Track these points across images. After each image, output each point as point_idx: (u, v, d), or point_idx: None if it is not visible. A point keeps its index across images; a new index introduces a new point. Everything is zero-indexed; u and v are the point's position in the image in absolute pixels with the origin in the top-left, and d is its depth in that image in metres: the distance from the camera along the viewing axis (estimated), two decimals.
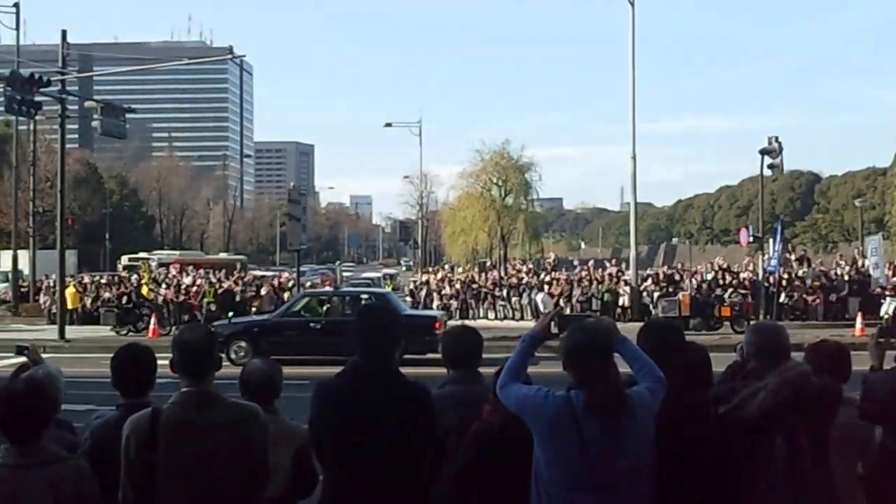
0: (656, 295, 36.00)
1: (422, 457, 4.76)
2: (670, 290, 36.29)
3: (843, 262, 39.86)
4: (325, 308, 25.06)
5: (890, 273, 33.05)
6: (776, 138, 31.39)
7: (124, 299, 34.86)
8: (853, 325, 29.59)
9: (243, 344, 22.68)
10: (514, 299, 38.62)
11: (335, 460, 4.74)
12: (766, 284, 33.49)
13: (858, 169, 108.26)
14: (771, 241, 36.39)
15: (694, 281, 37.16)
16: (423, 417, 4.73)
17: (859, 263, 37.10)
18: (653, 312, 32.62)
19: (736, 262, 45.17)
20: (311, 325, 24.08)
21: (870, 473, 5.23)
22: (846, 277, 35.72)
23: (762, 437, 4.58)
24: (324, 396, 4.80)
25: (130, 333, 31.55)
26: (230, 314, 28.72)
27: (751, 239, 35.37)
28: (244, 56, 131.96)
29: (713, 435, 4.50)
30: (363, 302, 24.70)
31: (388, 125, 60.96)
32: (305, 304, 25.52)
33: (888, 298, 30.71)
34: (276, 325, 24.32)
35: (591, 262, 46.25)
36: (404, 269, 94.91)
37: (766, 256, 34.90)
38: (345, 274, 69.00)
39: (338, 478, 4.72)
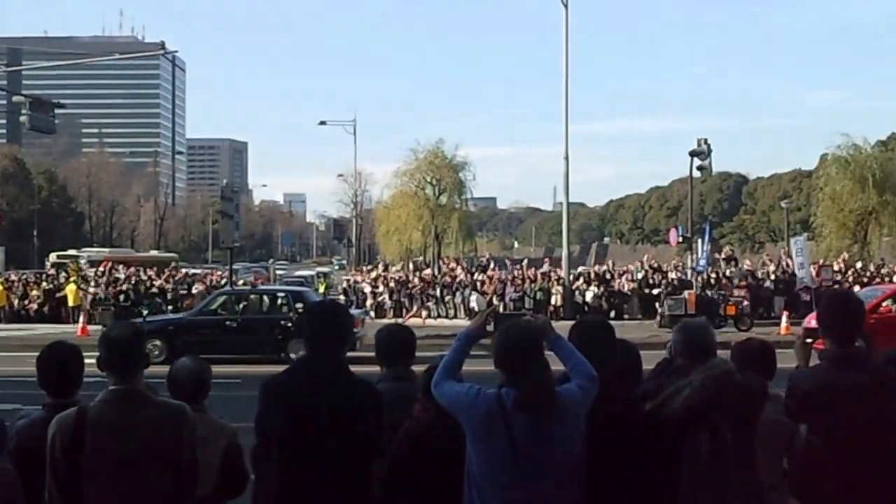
0: (589, 294, 36.39)
1: (372, 455, 4.73)
2: (602, 288, 36.74)
3: (769, 262, 40.64)
4: (241, 306, 24.78)
5: (814, 273, 33.74)
6: (705, 140, 31.80)
7: (121, 297, 34.08)
8: (779, 324, 30.14)
9: (158, 343, 22.13)
10: (447, 298, 38.69)
11: (284, 458, 4.68)
12: (696, 282, 33.95)
13: (785, 171, 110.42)
14: (700, 240, 36.88)
15: (625, 280, 37.66)
16: (374, 416, 4.71)
17: (785, 263, 37.84)
18: (659, 309, 32.60)
19: (666, 262, 45.71)
20: (227, 323, 23.81)
21: (794, 468, 5.29)
22: (772, 277, 36.43)
23: (687, 434, 4.62)
24: (272, 393, 4.75)
25: None
26: (144, 313, 28.30)
27: (680, 239, 35.85)
28: (176, 52, 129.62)
29: (640, 432, 4.52)
30: (288, 299, 24.63)
31: (323, 123, 60.68)
32: (222, 303, 25.19)
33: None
34: (192, 323, 23.96)
35: (524, 261, 46.41)
36: (336, 267, 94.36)
37: (695, 256, 35.39)
38: (278, 272, 68.39)
39: (286, 475, 4.67)
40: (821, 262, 39.97)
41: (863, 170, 46.09)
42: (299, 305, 23.77)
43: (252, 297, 25.86)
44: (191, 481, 4.55)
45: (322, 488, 4.55)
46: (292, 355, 22.51)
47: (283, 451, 4.68)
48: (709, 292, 32.93)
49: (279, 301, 25.09)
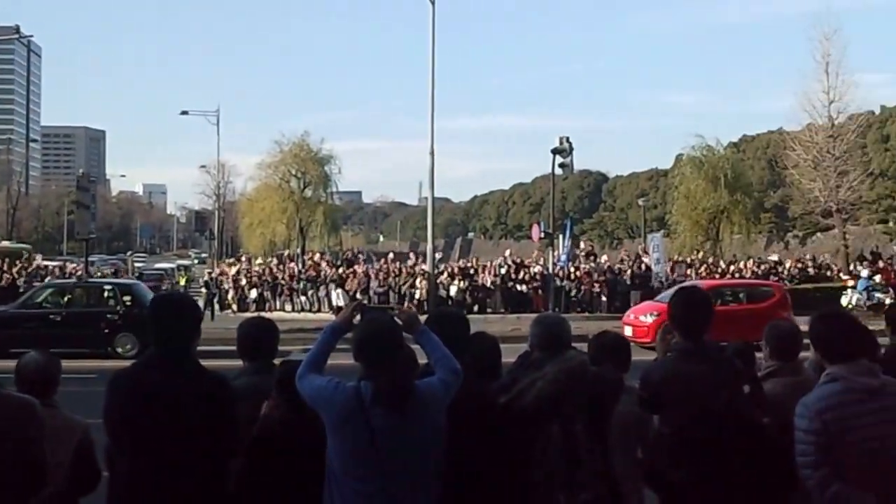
0: (453, 289, 36.66)
1: (225, 450, 4.65)
2: (465, 283, 37.02)
3: (627, 258, 41.68)
4: (66, 299, 24.07)
5: (668, 268, 34.76)
6: (567, 139, 32.32)
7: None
8: None
9: None
10: (310, 292, 38.39)
11: (134, 453, 4.54)
12: (556, 277, 34.53)
13: (642, 170, 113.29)
14: (561, 236, 37.50)
15: (488, 274, 38.02)
16: (227, 410, 4.61)
17: (642, 259, 38.90)
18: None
19: (528, 257, 46.39)
20: (52, 316, 23.04)
21: (647, 458, 5.42)
22: (629, 272, 37.38)
23: (540, 426, 4.67)
24: (121, 387, 4.60)
25: None
26: None
27: (542, 235, 36.38)
28: (31, 36, 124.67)
29: (494, 424, 4.57)
30: (114, 292, 23.98)
31: (185, 113, 59.22)
32: (47, 296, 24.43)
33: (848, 290, 32.66)
34: (14, 316, 23.00)
35: (389, 255, 46.46)
36: (196, 261, 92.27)
37: (557, 251, 36.00)
38: (136, 265, 66.65)
39: (137, 471, 4.53)
40: (675, 258, 41.28)
41: (715, 170, 47.63)
42: (127, 299, 23.33)
43: (77, 290, 24.95)
44: (39, 479, 4.42)
45: (174, 484, 4.43)
46: (119, 349, 22.09)
47: (133, 447, 4.55)
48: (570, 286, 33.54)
49: (106, 294, 24.20)
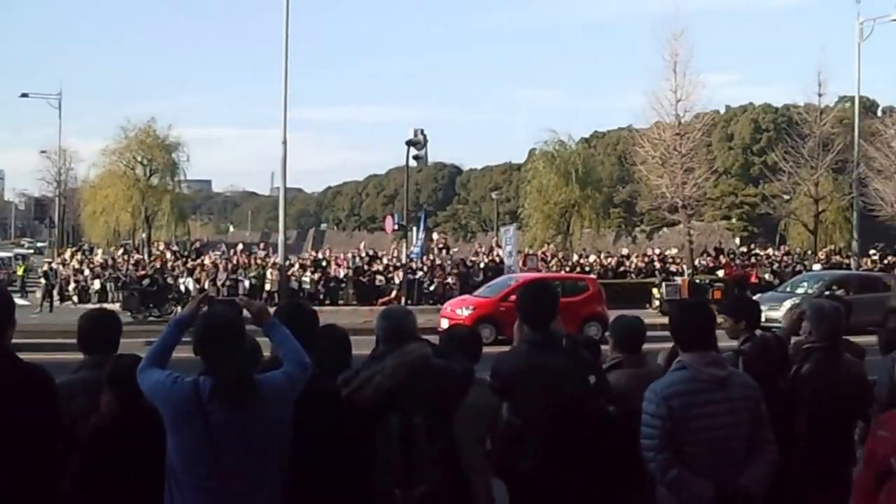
0: (305, 280, 36.09)
1: (47, 447, 4.39)
2: (318, 274, 36.52)
3: (480, 251, 41.98)
4: None
5: (521, 261, 35.12)
6: (422, 131, 32.25)
7: (145, 282, 31.26)
8: None
9: None
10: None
11: None
12: (409, 269, 34.47)
13: (496, 164, 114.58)
14: (415, 228, 37.50)
15: (341, 266, 37.67)
16: (48, 404, 4.37)
17: (495, 252, 39.21)
18: (657, 294, 32.82)
19: (382, 249, 46.23)
20: None
21: (496, 448, 5.44)
22: (482, 264, 37.63)
23: (379, 419, 4.66)
24: None
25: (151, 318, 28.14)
26: None
27: (396, 227, 36.26)
28: None
29: (336, 418, 4.54)
30: None
31: (25, 95, 56.64)
32: None
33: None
34: None
35: (239, 246, 45.47)
36: (31, 250, 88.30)
37: (411, 244, 35.94)
38: None
39: None
40: (527, 251, 41.78)
41: (567, 165, 48.42)
42: None
43: None
44: None
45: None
46: None
47: None
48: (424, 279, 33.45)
49: None
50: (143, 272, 33.60)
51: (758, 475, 4.65)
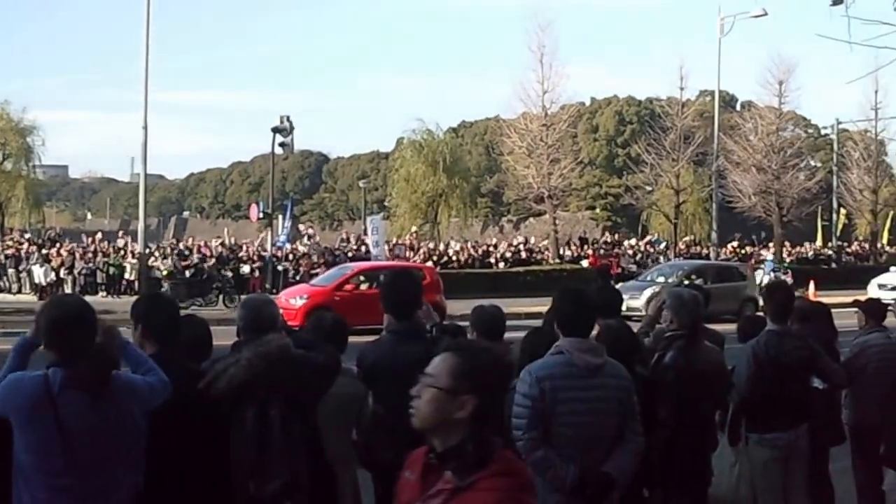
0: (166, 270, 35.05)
1: None
2: (182, 264, 35.60)
3: (348, 239, 41.65)
4: None
5: (388, 250, 34.98)
6: (288, 118, 31.82)
7: (188, 272, 31.48)
8: None
9: None
10: (10, 271, 35.59)
11: None
12: (275, 258, 33.94)
13: (364, 152, 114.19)
14: (281, 217, 36.97)
15: (200, 256, 36.77)
16: None
17: (362, 241, 38.94)
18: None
19: (247, 237, 45.45)
20: None
21: (362, 438, 5.46)
22: (350, 253, 37.31)
23: (234, 412, 4.57)
24: None
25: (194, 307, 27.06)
26: None
27: (261, 215, 35.66)
28: None
29: (192, 410, 4.45)
30: None
31: None
32: None
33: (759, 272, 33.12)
34: None
35: (98, 234, 43.93)
36: None
37: (276, 232, 35.39)
38: None
39: None
40: (394, 240, 41.68)
41: (435, 154, 48.58)
42: None
43: None
44: None
45: None
46: None
47: None
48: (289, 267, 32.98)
49: None
50: (186, 263, 33.68)
51: (622, 464, 4.73)
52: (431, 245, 42.27)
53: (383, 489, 5.25)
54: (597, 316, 5.11)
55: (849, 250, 50.48)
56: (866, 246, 50.98)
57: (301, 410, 4.74)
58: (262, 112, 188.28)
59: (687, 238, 52.46)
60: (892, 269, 36.10)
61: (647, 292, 24.88)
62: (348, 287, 22.95)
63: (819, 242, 51.74)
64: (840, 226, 51.13)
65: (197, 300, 30.08)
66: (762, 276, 34.78)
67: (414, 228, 46.20)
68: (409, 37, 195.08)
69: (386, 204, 59.37)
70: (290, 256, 36.57)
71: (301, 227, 51.73)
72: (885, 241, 53.30)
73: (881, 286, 31.32)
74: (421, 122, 50.32)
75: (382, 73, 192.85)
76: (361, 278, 23.88)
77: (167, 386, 4.24)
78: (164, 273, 32.79)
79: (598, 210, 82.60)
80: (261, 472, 4.54)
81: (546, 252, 43.63)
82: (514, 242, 46.36)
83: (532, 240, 48.41)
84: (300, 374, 4.72)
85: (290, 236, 39.58)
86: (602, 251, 43.07)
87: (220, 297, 30.40)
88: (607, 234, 56.07)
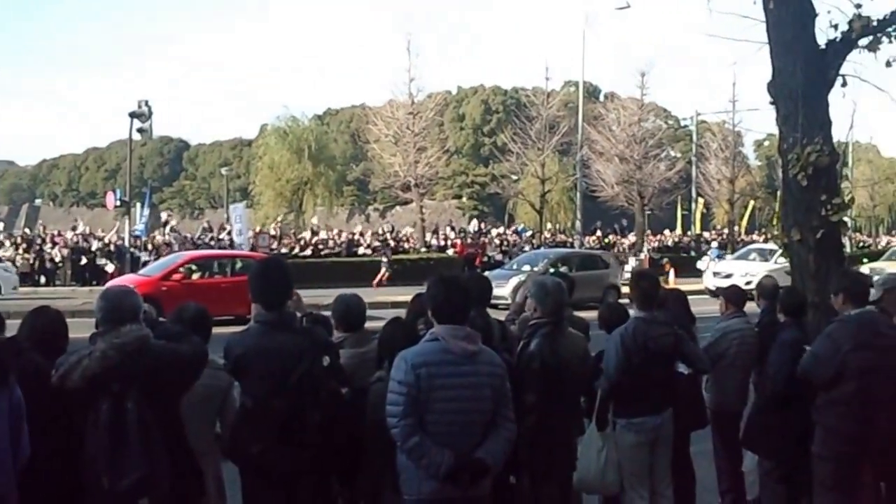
0: (18, 260, 33.70)
1: None
2: (31, 254, 34.24)
3: (210, 228, 40.82)
4: None
5: (251, 237, 34.44)
6: (146, 102, 30.85)
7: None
8: None
9: None
10: None
11: None
12: (133, 248, 32.95)
13: (226, 139, 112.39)
14: (139, 205, 36.00)
15: (58, 245, 35.54)
16: None
17: (226, 229, 38.21)
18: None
19: (103, 226, 44.07)
20: None
21: (229, 431, 5.37)
22: (212, 242, 36.60)
23: (89, 404, 4.47)
24: None
25: None
26: None
27: (118, 203, 34.46)
28: None
29: (47, 402, 4.41)
30: None
31: None
32: None
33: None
34: None
35: None
36: None
37: (134, 221, 34.38)
38: None
39: None
40: (258, 228, 41.07)
41: (300, 142, 48.18)
42: None
43: None
44: None
45: None
46: None
47: None
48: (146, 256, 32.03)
49: None
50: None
51: (495, 450, 4.78)
52: (299, 234, 41.80)
53: (252, 482, 5.15)
54: (471, 303, 5.09)
55: (707, 239, 52.03)
56: (724, 234, 52.60)
57: (162, 403, 4.64)
58: (119, 96, 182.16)
59: (552, 227, 53.25)
60: (728, 257, 37.12)
61: (513, 281, 25.03)
62: (177, 277, 21.92)
63: (679, 231, 53.19)
64: (699, 215, 52.68)
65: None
66: (708, 262, 35.85)
67: (279, 218, 45.65)
68: (272, 22, 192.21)
69: (250, 192, 58.40)
70: (150, 246, 35.57)
71: (162, 215, 50.50)
72: (743, 230, 55.16)
73: (716, 274, 32.24)
74: (285, 109, 49.80)
75: (245, 59, 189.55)
76: (193, 267, 22.97)
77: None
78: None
79: (464, 199, 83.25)
80: (115, 467, 4.42)
81: (412, 240, 43.61)
82: (381, 231, 46.22)
83: (407, 229, 48.34)
84: (161, 366, 4.64)
85: (149, 225, 38.49)
86: (469, 240, 43.30)
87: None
88: (474, 222, 56.41)
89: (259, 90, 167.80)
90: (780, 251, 29.80)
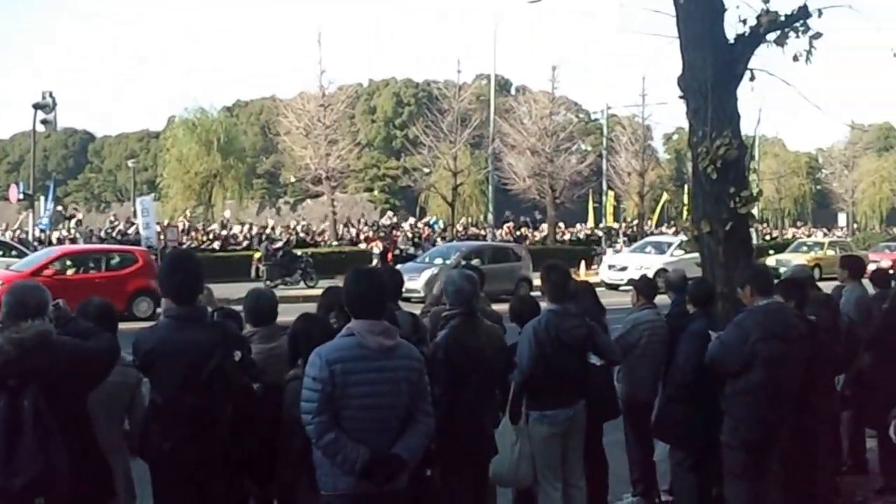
0: None
1: None
2: None
3: (116, 221, 40.05)
4: None
5: (160, 231, 33.95)
6: (51, 93, 30.16)
7: (279, 254, 32.42)
8: None
9: None
10: None
11: None
12: (37, 242, 32.16)
13: (133, 131, 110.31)
14: (43, 198, 35.19)
15: None
16: None
17: (133, 223, 37.51)
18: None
19: (6, 219, 42.97)
20: None
21: (138, 427, 5.30)
22: (118, 237, 35.88)
23: None
24: None
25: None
26: None
27: (21, 196, 33.56)
28: None
29: None
30: None
31: None
32: None
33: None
34: None
35: None
36: None
37: (38, 214, 33.58)
38: None
39: None
40: (166, 222, 40.44)
41: (209, 134, 47.66)
42: None
43: None
44: None
45: None
46: None
47: None
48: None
49: None
50: (276, 246, 34.07)
51: (411, 445, 4.76)
52: (208, 227, 41.22)
53: (162, 480, 5.08)
54: (388, 297, 5.07)
55: (617, 231, 52.69)
56: (634, 227, 53.33)
57: (66, 400, 4.53)
58: (22, 87, 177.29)
59: (464, 220, 53.40)
60: (625, 249, 37.56)
61: (426, 274, 25.00)
62: (48, 272, 20.94)
63: (591, 223, 53.77)
64: (610, 208, 53.35)
65: (287, 279, 31.35)
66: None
67: (188, 211, 45.00)
68: (180, 13, 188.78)
69: (157, 185, 57.42)
70: (53, 240, 34.72)
71: (69, 208, 49.42)
72: (654, 223, 56.02)
73: (611, 266, 32.68)
74: (194, 101, 49.14)
75: (153, 50, 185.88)
76: (68, 262, 22.25)
77: None
78: None
79: (376, 192, 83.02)
80: (8, 466, 4.30)
81: (324, 234, 43.34)
82: (292, 224, 45.80)
83: (312, 223, 48.01)
84: (63, 362, 4.51)
85: (53, 219, 37.57)
86: (381, 233, 43.15)
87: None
88: (386, 215, 56.29)
89: (167, 81, 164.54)
90: (677, 244, 30.45)
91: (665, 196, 55.92)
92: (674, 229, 49.41)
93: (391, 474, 4.68)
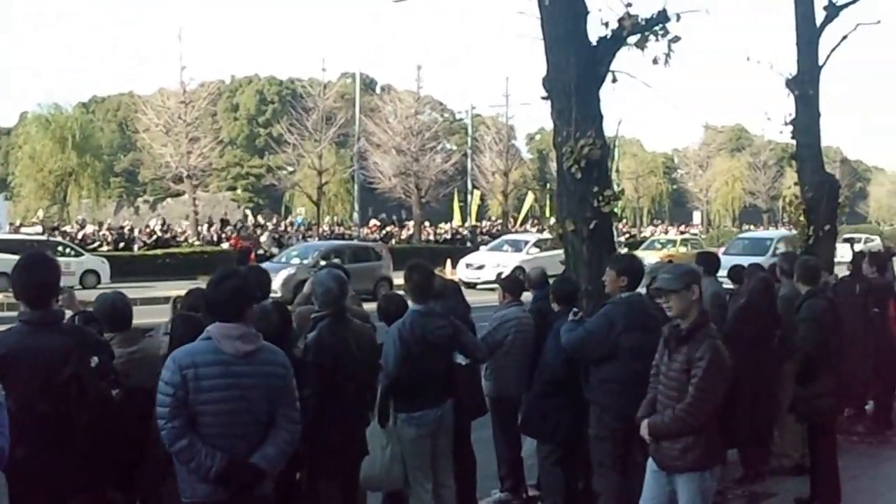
0: None
1: None
2: None
3: None
4: None
5: (9, 230, 32.95)
6: None
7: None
8: None
9: None
10: None
11: None
12: None
13: None
14: None
15: None
16: None
17: None
18: None
19: None
20: None
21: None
22: None
23: None
24: None
25: None
26: None
27: None
28: None
29: None
30: None
31: None
32: None
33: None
34: None
35: None
36: None
37: None
38: None
39: None
40: (18, 222, 39.20)
41: (63, 130, 46.39)
42: None
43: None
44: None
45: None
46: None
47: None
48: None
49: None
50: None
51: (271, 453, 4.64)
52: (63, 227, 39.93)
53: (18, 489, 4.85)
54: (250, 300, 4.89)
55: (483, 230, 53.25)
56: (499, 225, 53.98)
57: None
58: None
59: (330, 218, 53.14)
60: (483, 248, 37.83)
61: (283, 274, 24.82)
62: None
63: (457, 222, 54.20)
64: (475, 206, 53.84)
65: None
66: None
67: (40, 212, 43.61)
68: (33, 5, 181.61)
69: (9, 183, 55.39)
70: None
71: None
72: (519, 221, 56.78)
73: (468, 265, 32.98)
74: (48, 96, 47.69)
75: (3, 43, 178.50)
76: None
77: None
78: None
79: (239, 191, 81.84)
80: None
81: (185, 234, 42.49)
82: (151, 225, 44.73)
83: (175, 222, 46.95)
84: None
85: None
86: (244, 233, 42.51)
87: None
88: (249, 214, 55.50)
89: (18, 76, 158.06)
90: (533, 242, 30.97)
91: (531, 196, 56.74)
92: (536, 228, 50.24)
93: (247, 484, 4.59)
